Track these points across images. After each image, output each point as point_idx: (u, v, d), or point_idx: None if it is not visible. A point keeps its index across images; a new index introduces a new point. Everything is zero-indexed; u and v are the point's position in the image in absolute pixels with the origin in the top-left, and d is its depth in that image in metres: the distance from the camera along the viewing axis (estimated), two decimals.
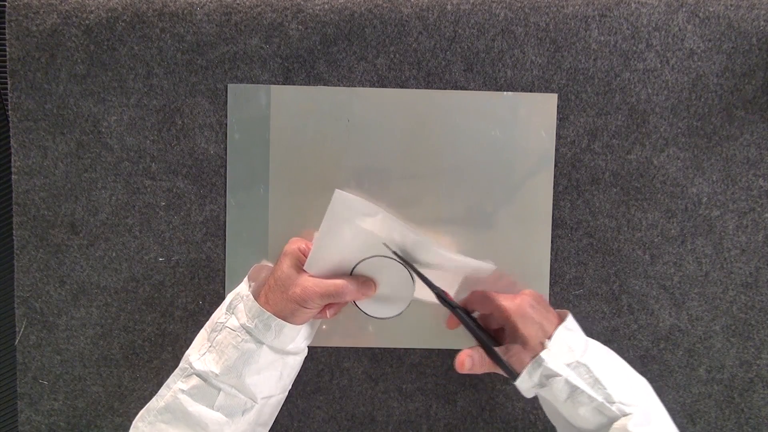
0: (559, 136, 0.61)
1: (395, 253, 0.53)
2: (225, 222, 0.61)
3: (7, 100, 0.60)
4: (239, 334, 0.51)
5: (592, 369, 0.49)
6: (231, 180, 0.61)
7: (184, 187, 0.61)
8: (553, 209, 0.62)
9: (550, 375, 0.49)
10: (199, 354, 0.52)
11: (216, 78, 0.60)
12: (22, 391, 0.62)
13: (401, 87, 0.61)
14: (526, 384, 0.51)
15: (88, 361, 0.62)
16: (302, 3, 0.59)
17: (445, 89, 0.61)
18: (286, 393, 0.57)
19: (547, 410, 0.57)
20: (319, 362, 0.63)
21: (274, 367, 0.53)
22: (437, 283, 0.53)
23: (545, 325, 0.52)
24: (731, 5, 0.60)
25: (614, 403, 0.48)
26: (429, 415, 0.64)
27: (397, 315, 0.54)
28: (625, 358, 0.54)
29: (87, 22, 0.59)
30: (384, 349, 0.63)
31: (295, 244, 0.55)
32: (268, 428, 0.58)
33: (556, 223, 0.62)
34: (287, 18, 0.59)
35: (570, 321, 0.53)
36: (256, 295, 0.53)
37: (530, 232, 0.62)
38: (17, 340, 0.62)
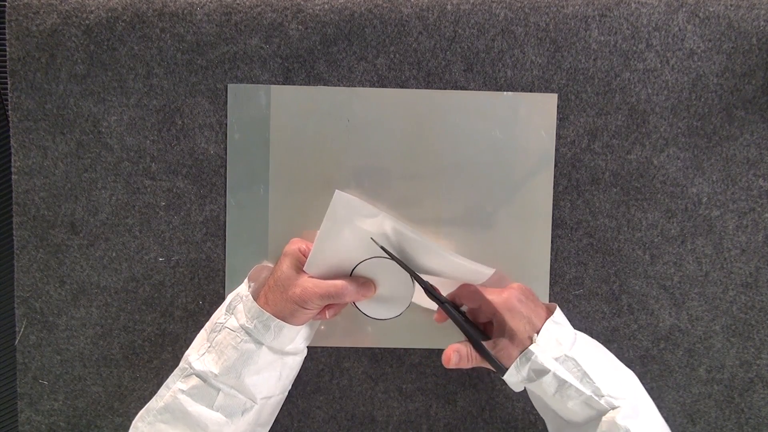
0: (559, 136, 0.61)
1: (383, 248, 0.52)
2: (225, 222, 0.61)
3: (7, 100, 0.60)
4: (238, 334, 0.51)
5: (581, 363, 0.49)
6: (231, 180, 0.61)
7: (184, 187, 0.61)
8: (553, 209, 0.62)
9: (539, 369, 0.49)
10: (199, 354, 0.52)
11: (216, 78, 0.60)
12: (22, 391, 0.62)
13: (401, 87, 0.61)
14: (514, 378, 0.51)
15: (88, 361, 0.62)
16: (302, 3, 0.59)
17: (445, 89, 0.61)
18: (286, 393, 0.57)
19: (536, 403, 0.57)
20: (319, 362, 0.63)
21: (274, 367, 0.53)
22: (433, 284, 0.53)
23: (533, 319, 0.51)
24: (731, 5, 0.60)
25: (603, 396, 0.48)
26: (429, 415, 0.64)
27: (396, 316, 0.54)
28: (625, 358, 0.54)
29: (87, 22, 0.59)
30: (384, 349, 0.63)
31: (295, 245, 0.55)
32: (268, 428, 0.58)
33: (556, 223, 0.62)
34: (287, 18, 0.59)
35: (558, 314, 0.53)
36: (256, 296, 0.53)
37: (530, 232, 0.62)
38: (17, 340, 0.62)
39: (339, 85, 0.60)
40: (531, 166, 0.61)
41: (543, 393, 0.51)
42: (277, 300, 0.51)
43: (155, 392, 0.53)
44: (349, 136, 0.61)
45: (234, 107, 0.60)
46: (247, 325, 0.51)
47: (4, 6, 0.58)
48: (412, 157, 0.61)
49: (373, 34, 0.60)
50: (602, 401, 0.48)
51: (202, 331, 0.54)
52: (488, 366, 0.52)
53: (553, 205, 0.62)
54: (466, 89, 0.61)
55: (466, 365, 0.52)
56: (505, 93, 0.61)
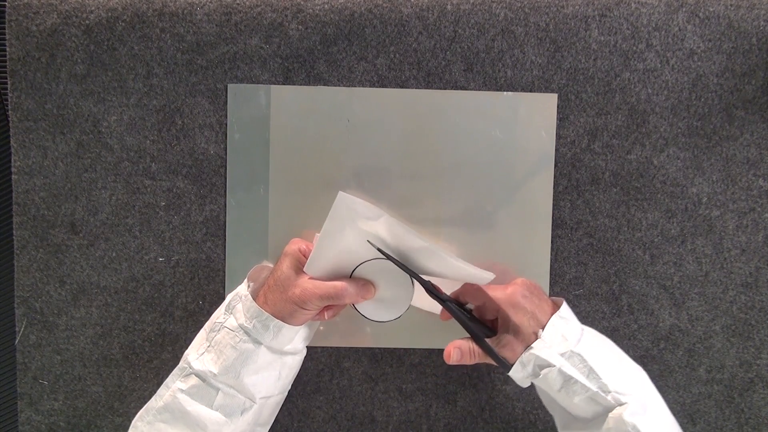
0: (559, 136, 0.61)
1: (379, 249, 0.52)
2: (225, 222, 0.61)
3: (7, 100, 0.60)
4: (237, 334, 0.51)
5: (587, 358, 0.49)
6: (231, 180, 0.61)
7: (184, 187, 0.61)
8: (553, 209, 0.62)
9: (544, 365, 0.49)
10: (198, 354, 0.52)
11: (216, 78, 0.60)
12: (22, 391, 0.62)
13: (401, 87, 0.61)
14: (519, 374, 0.50)
15: (88, 361, 0.62)
16: (302, 3, 0.59)
17: (445, 89, 0.61)
18: (286, 393, 0.57)
19: (544, 399, 0.57)
20: (319, 362, 0.63)
21: (273, 367, 0.53)
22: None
23: (538, 315, 0.51)
24: (731, 5, 0.60)
25: (609, 392, 0.48)
26: (429, 415, 0.64)
27: (395, 319, 0.54)
28: None
29: (87, 22, 0.59)
30: (384, 349, 0.63)
31: (295, 245, 0.55)
32: (268, 428, 0.58)
33: (556, 223, 0.62)
34: (287, 18, 0.59)
35: (564, 309, 0.53)
36: (255, 296, 0.53)
37: (530, 232, 0.62)
38: (17, 340, 0.62)
39: (339, 85, 0.60)
40: (531, 166, 0.61)
41: (549, 388, 0.50)
42: (277, 300, 0.51)
43: (155, 392, 0.53)
44: (349, 136, 0.61)
45: (234, 107, 0.60)
46: (246, 324, 0.51)
47: (4, 6, 0.58)
48: (412, 157, 0.61)
49: (373, 34, 0.60)
50: (609, 397, 0.48)
51: (202, 330, 0.54)
52: (493, 362, 0.52)
53: (553, 205, 0.62)
54: (466, 89, 0.61)
55: (468, 361, 0.52)
56: (505, 93, 0.61)
